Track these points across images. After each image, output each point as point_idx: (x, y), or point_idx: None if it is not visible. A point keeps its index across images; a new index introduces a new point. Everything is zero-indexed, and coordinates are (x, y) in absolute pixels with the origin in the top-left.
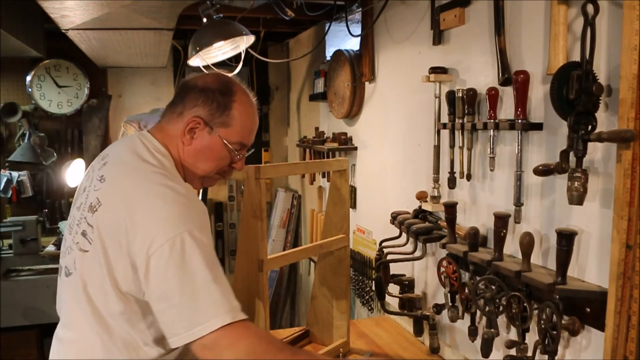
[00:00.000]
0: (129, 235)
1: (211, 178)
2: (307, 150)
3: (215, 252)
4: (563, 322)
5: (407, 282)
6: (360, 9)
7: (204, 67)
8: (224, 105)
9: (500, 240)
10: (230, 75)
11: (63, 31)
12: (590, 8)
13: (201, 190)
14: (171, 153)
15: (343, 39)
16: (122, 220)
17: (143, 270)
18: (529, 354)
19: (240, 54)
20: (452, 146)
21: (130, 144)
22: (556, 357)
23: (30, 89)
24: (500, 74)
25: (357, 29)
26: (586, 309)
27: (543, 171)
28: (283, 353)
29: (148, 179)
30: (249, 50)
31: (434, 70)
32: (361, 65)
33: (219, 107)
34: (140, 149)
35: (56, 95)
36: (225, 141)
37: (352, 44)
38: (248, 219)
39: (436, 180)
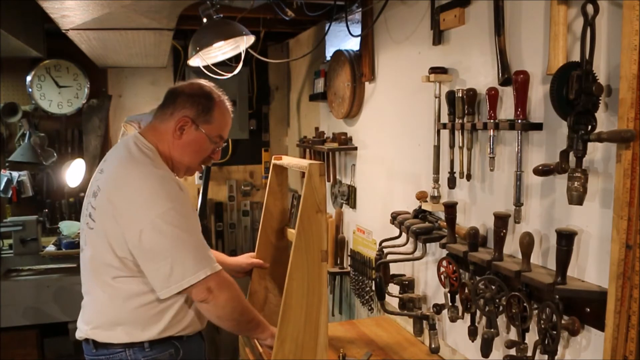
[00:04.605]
0: (122, 210)
1: (194, 168)
2: (307, 150)
3: (197, 219)
4: (563, 322)
5: (407, 282)
6: (360, 9)
7: (204, 67)
8: (207, 107)
9: (500, 240)
10: (227, 76)
11: (63, 31)
12: (590, 8)
13: (201, 191)
14: (159, 148)
15: (343, 39)
16: (114, 199)
17: (137, 239)
18: (529, 353)
19: (240, 54)
20: (452, 146)
21: (124, 143)
22: (556, 357)
23: (30, 89)
24: (500, 74)
25: (357, 29)
26: (586, 309)
27: (543, 171)
28: (249, 309)
29: (135, 165)
30: (249, 50)
31: (434, 70)
32: (361, 65)
33: (203, 109)
34: (131, 145)
35: (56, 95)
36: (208, 135)
37: (352, 44)
38: (309, 214)
39: (436, 180)
